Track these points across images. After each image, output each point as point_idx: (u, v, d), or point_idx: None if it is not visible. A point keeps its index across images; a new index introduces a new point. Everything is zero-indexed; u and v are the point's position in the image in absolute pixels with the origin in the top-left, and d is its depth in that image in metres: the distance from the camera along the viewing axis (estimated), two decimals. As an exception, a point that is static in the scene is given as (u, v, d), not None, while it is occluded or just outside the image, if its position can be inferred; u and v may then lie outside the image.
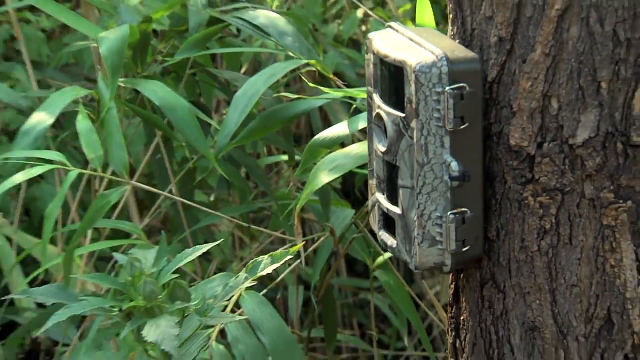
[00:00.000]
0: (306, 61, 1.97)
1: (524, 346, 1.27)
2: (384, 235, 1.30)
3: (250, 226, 2.28)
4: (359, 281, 2.92)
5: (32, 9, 2.58)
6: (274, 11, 2.10)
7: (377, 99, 1.27)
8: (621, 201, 1.20)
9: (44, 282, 1.82)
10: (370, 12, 2.51)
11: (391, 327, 2.95)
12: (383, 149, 1.26)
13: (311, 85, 1.97)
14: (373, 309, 2.44)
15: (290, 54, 2.01)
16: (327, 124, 2.54)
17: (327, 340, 2.29)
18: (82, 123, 1.91)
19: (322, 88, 1.92)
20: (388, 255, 2.17)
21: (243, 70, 2.48)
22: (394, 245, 1.28)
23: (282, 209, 2.19)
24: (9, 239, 2.43)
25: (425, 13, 1.85)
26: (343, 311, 2.97)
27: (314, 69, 2.04)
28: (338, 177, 1.89)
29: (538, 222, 1.23)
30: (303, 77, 2.17)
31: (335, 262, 2.16)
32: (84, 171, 1.89)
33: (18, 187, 2.49)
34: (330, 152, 1.89)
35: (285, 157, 2.42)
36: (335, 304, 2.30)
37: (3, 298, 1.99)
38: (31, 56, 2.60)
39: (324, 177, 1.84)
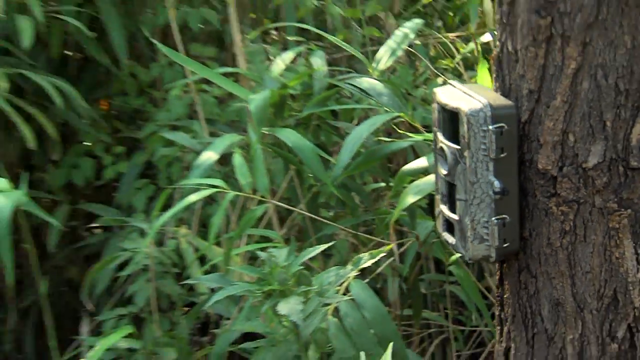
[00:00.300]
0: (398, 114, 1.98)
1: (551, 317, 1.25)
2: (446, 236, 1.30)
3: (358, 234, 2.29)
4: (442, 276, 2.88)
5: (207, 81, 2.64)
6: (375, 79, 2.12)
7: (440, 136, 1.28)
8: (623, 209, 1.18)
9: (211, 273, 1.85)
10: (448, 80, 2.50)
11: (467, 310, 2.90)
12: (444, 172, 1.26)
13: (400, 131, 1.97)
14: (448, 295, 2.42)
15: (386, 109, 2.02)
16: (419, 162, 2.52)
17: (414, 317, 2.28)
18: (237, 159, 1.96)
19: (408, 134, 1.93)
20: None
21: (355, 122, 2.50)
22: (453, 243, 1.28)
23: (381, 222, 2.20)
24: (190, 243, 2.49)
25: (484, 79, 1.84)
26: (432, 298, 2.94)
27: (406, 121, 2.05)
28: (422, 198, 1.88)
29: (560, 225, 1.21)
30: (396, 127, 2.17)
31: (420, 259, 2.16)
32: (238, 193, 1.93)
33: (195, 206, 2.54)
34: (414, 180, 1.89)
35: (384, 184, 2.42)
36: (420, 290, 2.28)
37: (182, 282, 2.04)
38: (205, 115, 2.66)
39: (410, 198, 1.84)
